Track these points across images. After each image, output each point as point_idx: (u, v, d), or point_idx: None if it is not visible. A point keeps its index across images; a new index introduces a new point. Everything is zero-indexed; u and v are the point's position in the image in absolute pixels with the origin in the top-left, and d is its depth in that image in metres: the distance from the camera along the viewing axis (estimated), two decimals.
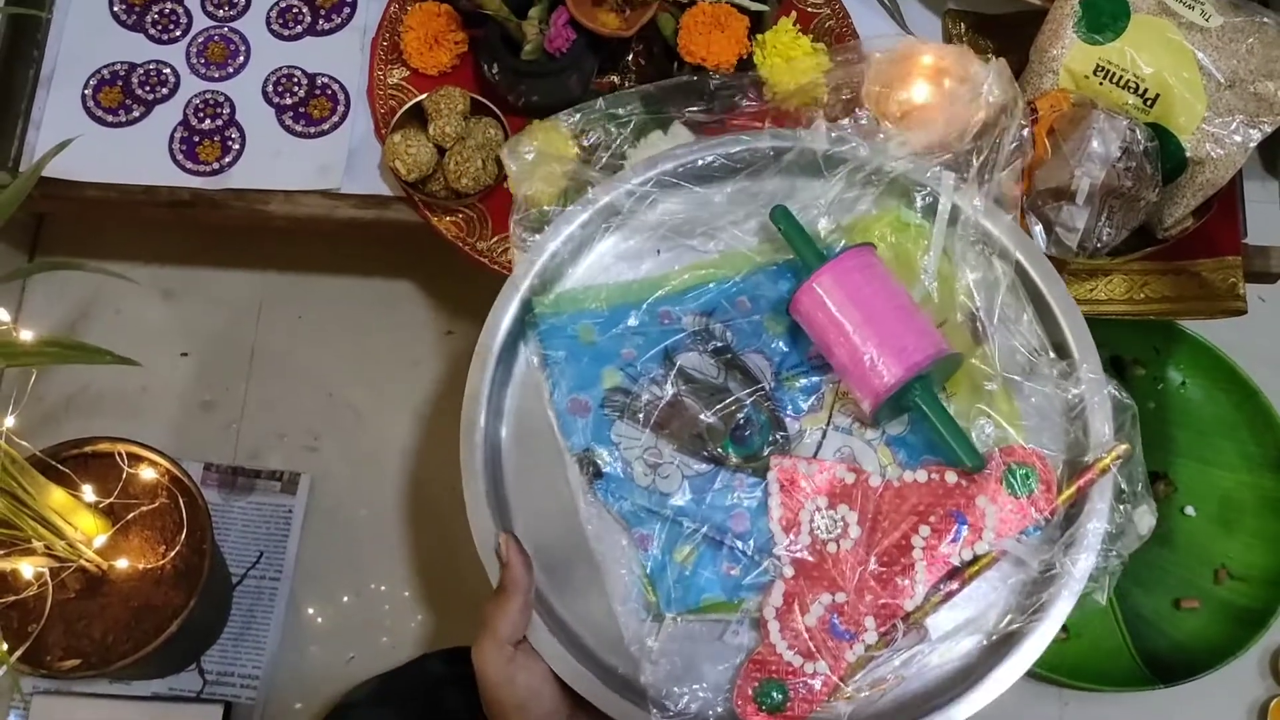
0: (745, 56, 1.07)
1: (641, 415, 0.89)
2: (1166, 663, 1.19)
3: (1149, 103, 1.01)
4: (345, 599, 1.25)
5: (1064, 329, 0.89)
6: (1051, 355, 0.89)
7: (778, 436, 0.88)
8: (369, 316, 1.36)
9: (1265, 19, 1.01)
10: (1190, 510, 1.26)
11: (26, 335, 0.87)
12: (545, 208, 0.95)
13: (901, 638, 0.83)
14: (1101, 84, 1.02)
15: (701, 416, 0.87)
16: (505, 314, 0.91)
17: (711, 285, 0.93)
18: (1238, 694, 1.23)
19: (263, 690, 1.20)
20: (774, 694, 0.82)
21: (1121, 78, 1.01)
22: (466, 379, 0.90)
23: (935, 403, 0.84)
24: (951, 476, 0.85)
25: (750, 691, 0.82)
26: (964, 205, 0.92)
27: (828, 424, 0.89)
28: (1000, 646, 0.82)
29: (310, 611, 1.25)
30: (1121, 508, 0.85)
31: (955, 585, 0.83)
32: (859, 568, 0.83)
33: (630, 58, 1.14)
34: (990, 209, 0.92)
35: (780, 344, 0.91)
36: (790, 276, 0.93)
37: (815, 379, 0.90)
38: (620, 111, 1.01)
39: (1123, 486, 0.85)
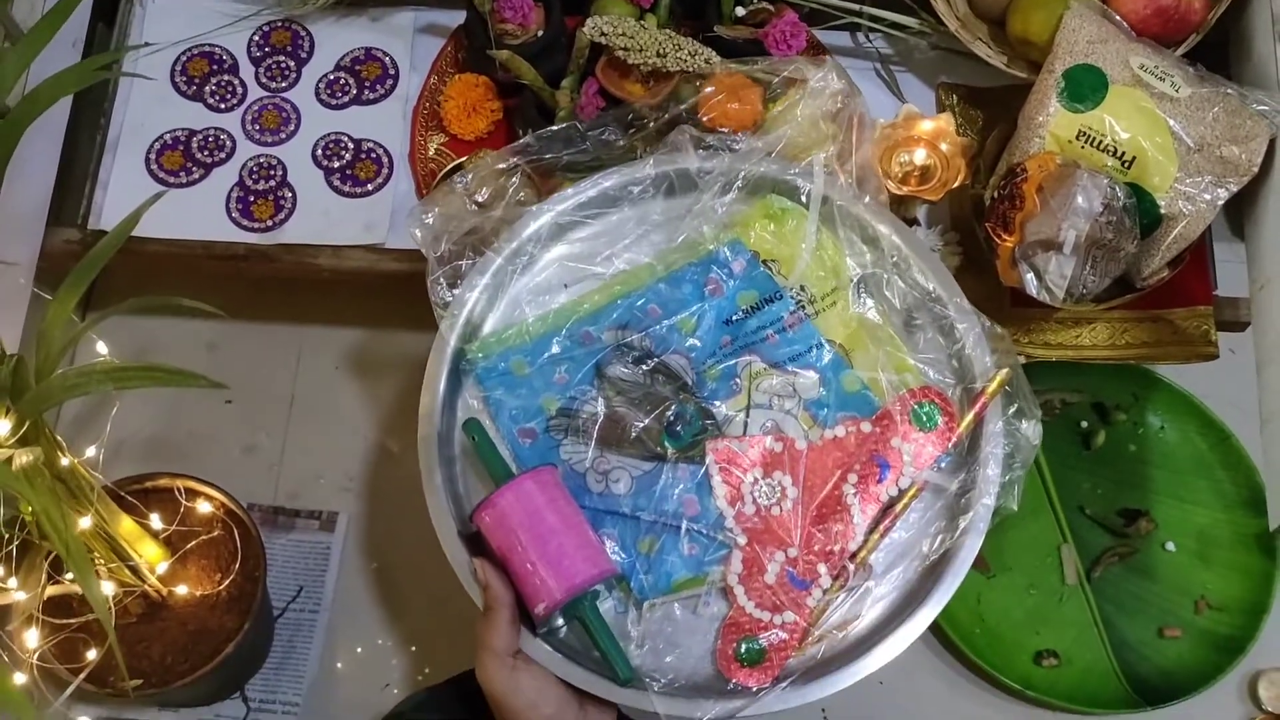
0: (760, 122, 1.15)
1: (583, 432, 0.96)
2: (1152, 687, 1.25)
3: (1126, 164, 1.09)
4: (381, 630, 1.30)
5: (931, 279, 0.99)
6: (929, 302, 0.99)
7: (707, 424, 0.96)
8: (400, 368, 1.42)
9: (1229, 90, 1.09)
10: (1171, 546, 1.32)
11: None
12: (457, 263, 1.01)
13: (853, 576, 0.92)
14: (1083, 147, 1.09)
15: (636, 422, 0.94)
16: (440, 370, 0.98)
17: (621, 301, 1.01)
18: (1219, 716, 1.28)
19: (303, 717, 1.25)
20: (753, 648, 0.89)
21: (1101, 142, 1.09)
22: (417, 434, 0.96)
23: (598, 618, 0.90)
24: (867, 426, 0.95)
25: (731, 651, 0.90)
26: (831, 189, 1.01)
27: (749, 404, 0.97)
28: (936, 567, 0.91)
29: (347, 642, 1.30)
30: (1017, 423, 0.94)
31: (889, 521, 0.92)
32: (802, 523, 0.92)
33: (653, 125, 1.23)
34: (853, 188, 1.02)
35: (694, 341, 0.99)
36: (693, 278, 1.01)
37: (730, 364, 0.98)
38: (504, 165, 1.07)
39: (1012, 406, 0.94)
